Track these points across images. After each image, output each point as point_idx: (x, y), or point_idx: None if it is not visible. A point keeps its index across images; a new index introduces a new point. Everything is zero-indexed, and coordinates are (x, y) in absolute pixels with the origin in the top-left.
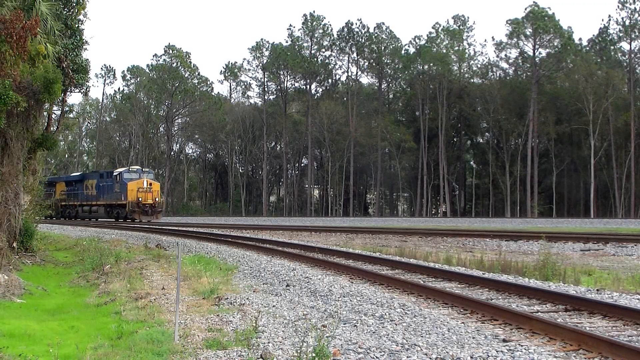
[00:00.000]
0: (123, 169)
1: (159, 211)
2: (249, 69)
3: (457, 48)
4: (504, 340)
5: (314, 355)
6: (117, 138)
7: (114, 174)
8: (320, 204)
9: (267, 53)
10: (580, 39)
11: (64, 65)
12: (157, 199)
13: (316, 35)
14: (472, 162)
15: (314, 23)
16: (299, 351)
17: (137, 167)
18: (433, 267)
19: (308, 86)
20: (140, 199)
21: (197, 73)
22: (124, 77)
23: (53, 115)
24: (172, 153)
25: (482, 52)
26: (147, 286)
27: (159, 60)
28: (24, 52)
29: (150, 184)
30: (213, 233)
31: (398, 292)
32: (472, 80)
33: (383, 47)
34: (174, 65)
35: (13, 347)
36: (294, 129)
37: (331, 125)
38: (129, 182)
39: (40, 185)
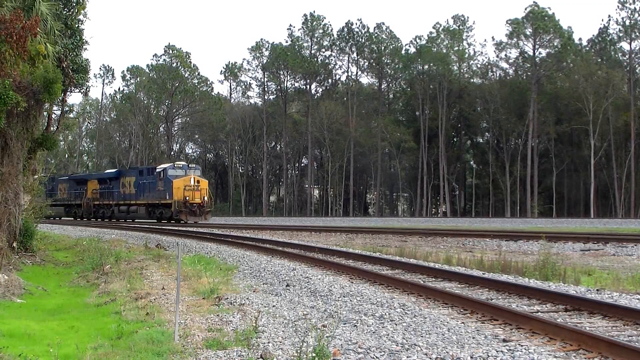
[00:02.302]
0: (167, 164)
1: (208, 211)
2: (249, 69)
3: (457, 48)
4: (504, 340)
5: (314, 355)
6: (117, 138)
7: (157, 170)
8: (320, 204)
9: (267, 53)
10: (580, 39)
11: (64, 65)
12: (205, 198)
13: (316, 35)
14: (472, 162)
15: (314, 23)
16: (299, 351)
17: (183, 162)
18: (433, 267)
19: (308, 86)
20: (187, 198)
21: (197, 73)
22: (123, 77)
23: (53, 115)
24: (172, 153)
25: (482, 52)
26: (147, 286)
27: (159, 60)
28: (24, 52)
29: (198, 182)
30: (213, 233)
31: (398, 292)
32: (472, 80)
33: (383, 47)
34: (174, 65)
35: (13, 347)
36: (294, 129)
37: (331, 125)
38: (174, 180)
39: (40, 185)
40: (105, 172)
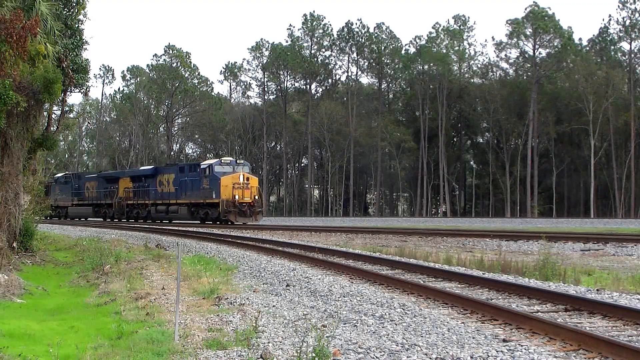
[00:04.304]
0: (213, 160)
1: (259, 211)
2: (249, 69)
3: (457, 48)
4: (504, 340)
5: (314, 355)
6: (117, 138)
7: (202, 166)
8: (320, 204)
9: (267, 53)
10: (580, 39)
11: (64, 65)
12: (256, 197)
13: (316, 35)
14: (472, 162)
15: (314, 23)
16: (299, 351)
17: (230, 158)
18: (433, 267)
19: (308, 86)
20: (236, 197)
21: (197, 73)
22: (123, 77)
23: (53, 115)
24: (172, 153)
25: (482, 52)
26: (147, 286)
27: (159, 60)
28: (24, 52)
29: (248, 179)
30: (213, 233)
31: (398, 292)
32: (472, 80)
33: (383, 47)
34: (174, 65)
35: (13, 347)
36: (294, 129)
37: (331, 125)
38: (222, 177)
39: (40, 185)
40: (140, 168)
